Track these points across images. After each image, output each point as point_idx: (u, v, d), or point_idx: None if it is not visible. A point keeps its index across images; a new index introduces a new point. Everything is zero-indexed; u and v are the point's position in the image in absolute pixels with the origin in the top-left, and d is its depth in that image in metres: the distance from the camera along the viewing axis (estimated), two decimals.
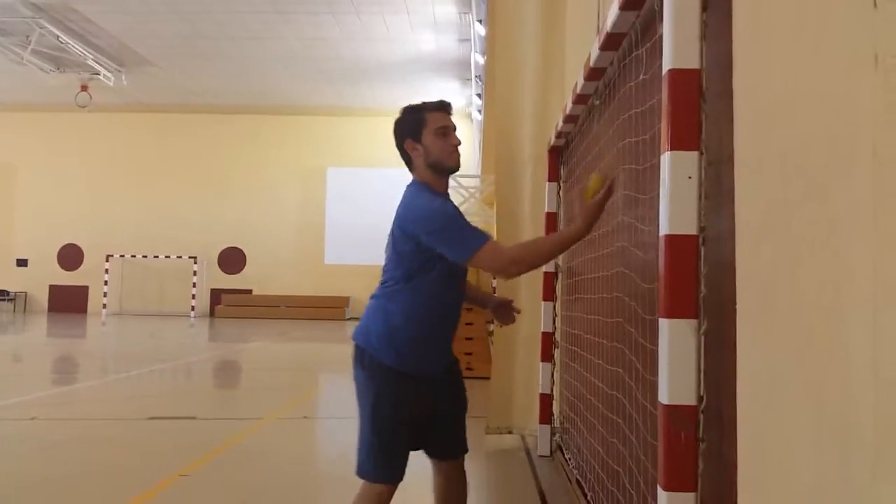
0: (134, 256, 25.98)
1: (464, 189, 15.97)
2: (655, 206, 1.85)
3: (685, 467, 1.65)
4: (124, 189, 26.16)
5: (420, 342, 2.39)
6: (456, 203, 2.69)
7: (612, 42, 2.65)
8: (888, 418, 0.89)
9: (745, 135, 1.43)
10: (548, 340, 4.67)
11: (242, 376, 10.18)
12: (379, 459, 2.36)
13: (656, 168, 1.85)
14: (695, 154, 1.69)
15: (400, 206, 2.40)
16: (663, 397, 1.67)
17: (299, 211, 26.21)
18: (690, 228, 1.68)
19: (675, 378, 1.66)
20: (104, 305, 25.44)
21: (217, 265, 26.34)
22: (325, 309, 24.63)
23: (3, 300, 25.79)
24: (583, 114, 3.73)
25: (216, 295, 25.91)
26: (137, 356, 11.89)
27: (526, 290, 4.90)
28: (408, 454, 2.44)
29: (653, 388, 1.88)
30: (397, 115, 2.49)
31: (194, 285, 25.63)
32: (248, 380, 9.88)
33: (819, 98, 1.11)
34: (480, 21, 13.96)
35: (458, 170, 2.41)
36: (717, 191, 1.66)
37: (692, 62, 1.69)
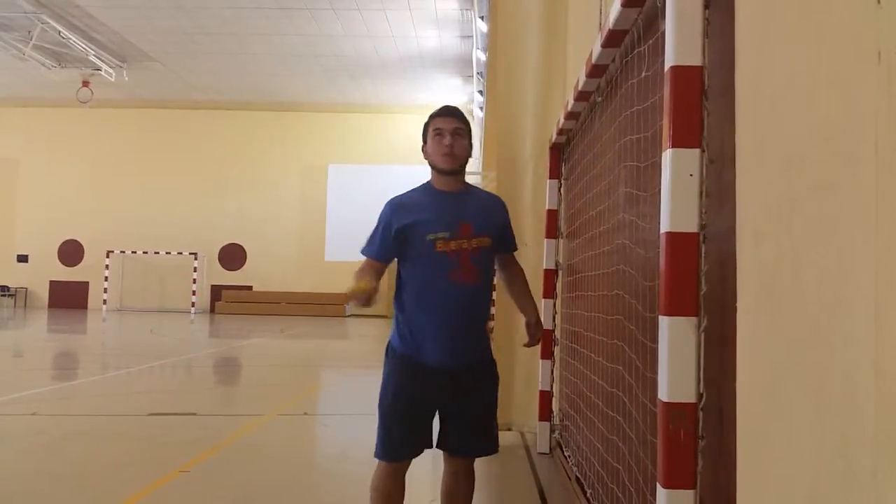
0: (135, 252, 25.98)
1: None
2: (656, 203, 1.85)
3: (685, 465, 1.65)
4: (125, 185, 26.16)
5: (419, 329, 2.53)
6: None
7: (614, 39, 2.65)
8: (890, 415, 0.89)
9: (747, 132, 1.43)
10: (548, 338, 4.67)
11: (243, 373, 10.19)
12: (379, 437, 2.55)
13: (657, 165, 1.85)
14: (696, 151, 1.68)
15: None
16: (663, 395, 1.67)
17: (300, 207, 26.21)
18: (691, 226, 1.67)
19: (675, 375, 1.65)
20: (104, 301, 25.45)
21: (218, 261, 26.35)
22: (325, 306, 24.63)
23: (4, 295, 25.80)
24: (584, 111, 3.73)
25: (217, 291, 25.92)
26: (138, 352, 11.90)
27: None
28: (410, 438, 2.54)
29: (652, 385, 1.88)
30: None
31: (195, 281, 25.64)
32: (248, 376, 9.89)
33: (822, 95, 1.11)
34: (482, 17, 13.94)
35: (451, 171, 2.54)
36: (718, 188, 1.66)
37: (694, 59, 1.69)
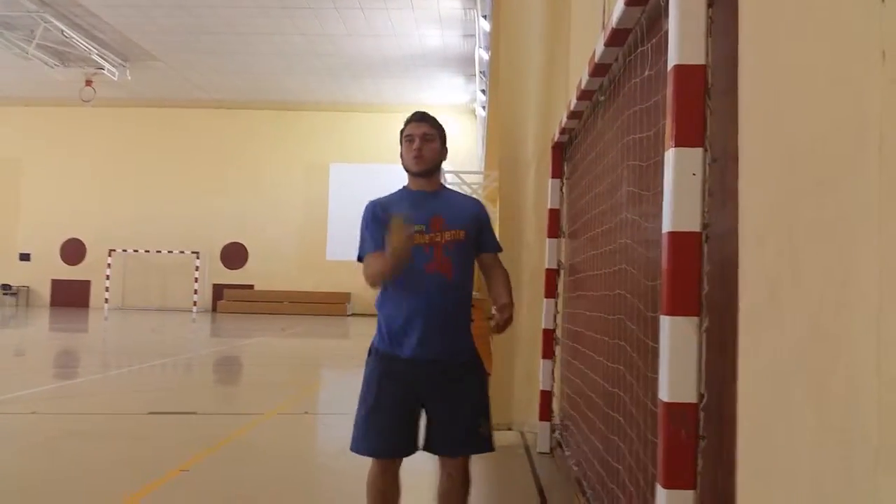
0: (136, 251, 26.01)
1: (467, 185, 15.96)
2: (659, 202, 1.84)
3: (685, 465, 1.65)
4: (127, 184, 26.19)
5: (396, 323, 2.60)
6: None
7: (617, 38, 2.64)
8: (892, 415, 0.88)
9: (750, 132, 1.43)
10: (549, 337, 4.66)
11: (243, 371, 10.20)
12: (362, 434, 2.60)
13: (660, 165, 1.84)
14: (699, 151, 1.68)
15: None
16: (664, 395, 1.67)
17: (302, 207, 26.23)
18: (694, 225, 1.67)
19: (676, 375, 1.65)
20: (106, 300, 25.49)
21: (219, 260, 26.38)
22: (326, 305, 24.66)
23: (6, 294, 25.85)
24: (587, 110, 3.72)
25: (218, 290, 25.95)
26: (139, 351, 11.91)
27: (528, 286, 4.89)
28: (393, 435, 2.57)
29: (653, 385, 1.87)
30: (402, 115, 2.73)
31: (196, 280, 25.68)
32: (249, 375, 9.90)
33: (825, 94, 1.11)
34: (485, 16, 13.93)
35: (421, 173, 2.70)
36: (720, 188, 1.65)
37: (698, 58, 1.68)
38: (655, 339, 1.85)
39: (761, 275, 1.34)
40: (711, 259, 1.67)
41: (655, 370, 1.79)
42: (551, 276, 4.65)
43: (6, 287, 25.93)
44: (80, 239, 26.38)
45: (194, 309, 25.30)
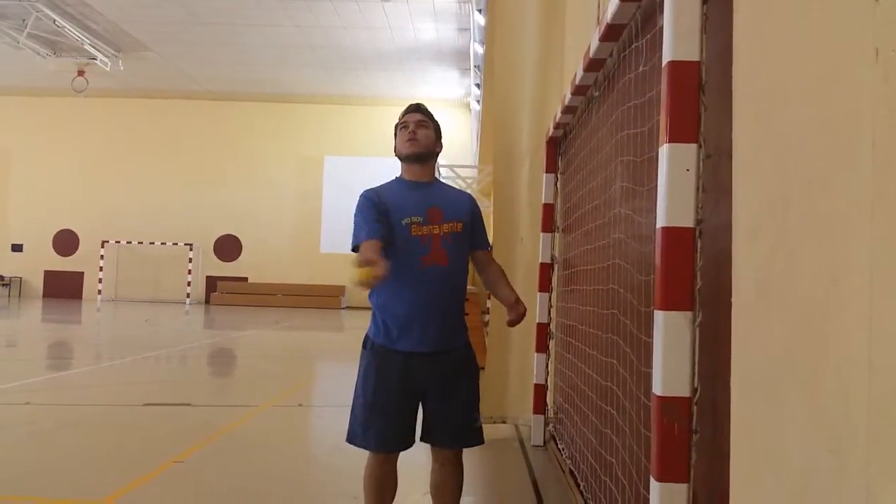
0: (129, 243, 25.92)
1: (461, 179, 15.96)
2: (653, 198, 1.85)
3: (678, 458, 1.66)
4: (120, 175, 26.07)
5: (393, 316, 2.57)
6: None
7: (612, 33, 2.65)
8: (882, 410, 0.90)
9: (744, 128, 1.43)
10: (543, 331, 4.68)
11: (237, 364, 10.19)
12: (361, 427, 2.59)
13: (654, 160, 1.85)
14: (693, 147, 1.69)
15: None
16: (657, 389, 1.68)
17: (296, 199, 26.16)
18: (687, 221, 1.68)
19: (670, 370, 1.66)
20: (99, 291, 25.40)
21: (213, 252, 26.30)
22: (320, 298, 24.64)
23: None
24: (581, 105, 3.73)
25: (212, 282, 25.89)
26: (132, 342, 11.89)
27: (522, 280, 4.90)
28: (391, 429, 2.56)
29: (647, 379, 1.88)
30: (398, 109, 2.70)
31: (190, 272, 25.61)
32: (243, 367, 9.89)
33: (819, 91, 1.11)
34: (480, 10, 13.90)
35: (414, 156, 2.68)
36: (714, 184, 1.66)
37: (692, 54, 1.69)
38: (649, 333, 1.86)
39: (754, 270, 1.35)
40: (705, 254, 1.68)
41: (649, 364, 1.80)
42: (545, 270, 4.67)
43: None
44: (73, 230, 26.27)
45: (187, 301, 25.24)
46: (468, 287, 2.86)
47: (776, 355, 1.23)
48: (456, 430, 2.63)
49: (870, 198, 0.94)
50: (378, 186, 2.74)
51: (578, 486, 3.47)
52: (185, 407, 6.11)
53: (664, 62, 1.73)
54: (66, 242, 26.32)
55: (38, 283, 26.40)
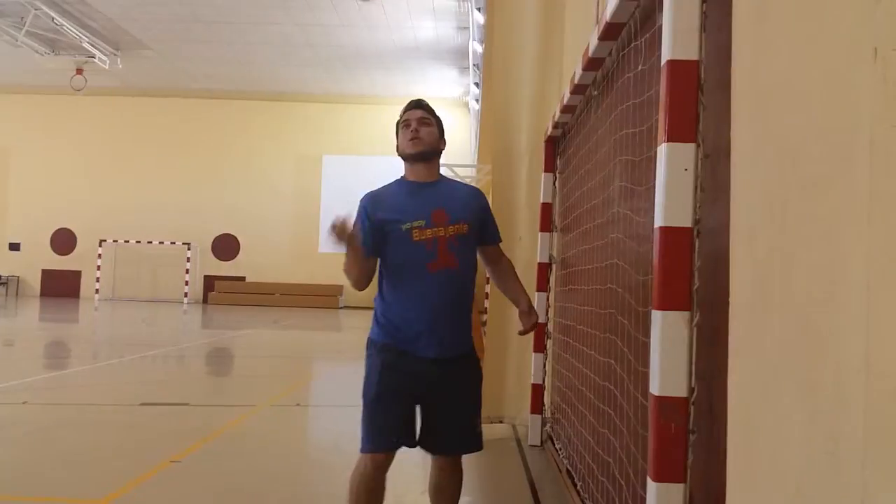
0: (127, 242, 25.88)
1: (459, 179, 15.94)
2: (651, 197, 1.85)
3: (675, 458, 1.66)
4: (118, 174, 26.03)
5: (401, 320, 2.53)
6: None
7: (611, 32, 2.64)
8: (879, 411, 0.89)
9: (743, 127, 1.43)
10: (540, 331, 4.67)
11: (235, 363, 10.18)
12: (363, 429, 2.53)
13: (652, 159, 1.85)
14: (691, 146, 1.68)
15: None
16: (654, 389, 1.68)
17: (294, 198, 26.13)
18: (685, 221, 1.67)
19: (667, 370, 1.66)
20: (97, 290, 25.36)
21: (211, 252, 26.27)
22: (318, 297, 24.62)
23: None
24: (580, 104, 3.72)
25: (209, 281, 25.86)
26: (130, 342, 11.88)
27: (520, 280, 4.89)
28: (392, 429, 2.50)
29: (644, 379, 1.88)
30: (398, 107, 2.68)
31: (187, 272, 25.58)
32: (240, 367, 9.88)
33: (818, 91, 1.11)
34: (479, 9, 13.90)
35: (418, 155, 2.59)
36: (712, 183, 1.66)
37: (691, 53, 1.69)
38: (646, 333, 1.85)
39: (752, 270, 1.34)
40: (703, 254, 1.68)
41: (646, 364, 1.80)
42: (543, 270, 4.66)
43: None
44: (71, 229, 26.23)
45: (185, 300, 25.22)
46: None
47: (773, 356, 1.23)
48: (457, 436, 2.60)
49: (868, 198, 0.93)
50: (378, 189, 2.67)
51: (575, 485, 3.47)
52: (182, 406, 6.11)
53: (663, 61, 1.73)
54: (63, 241, 26.28)
55: (35, 281, 26.36)
